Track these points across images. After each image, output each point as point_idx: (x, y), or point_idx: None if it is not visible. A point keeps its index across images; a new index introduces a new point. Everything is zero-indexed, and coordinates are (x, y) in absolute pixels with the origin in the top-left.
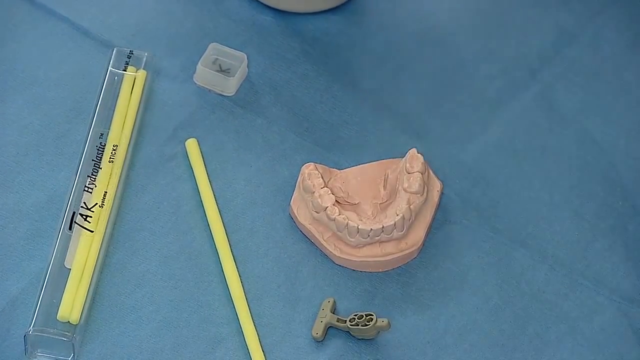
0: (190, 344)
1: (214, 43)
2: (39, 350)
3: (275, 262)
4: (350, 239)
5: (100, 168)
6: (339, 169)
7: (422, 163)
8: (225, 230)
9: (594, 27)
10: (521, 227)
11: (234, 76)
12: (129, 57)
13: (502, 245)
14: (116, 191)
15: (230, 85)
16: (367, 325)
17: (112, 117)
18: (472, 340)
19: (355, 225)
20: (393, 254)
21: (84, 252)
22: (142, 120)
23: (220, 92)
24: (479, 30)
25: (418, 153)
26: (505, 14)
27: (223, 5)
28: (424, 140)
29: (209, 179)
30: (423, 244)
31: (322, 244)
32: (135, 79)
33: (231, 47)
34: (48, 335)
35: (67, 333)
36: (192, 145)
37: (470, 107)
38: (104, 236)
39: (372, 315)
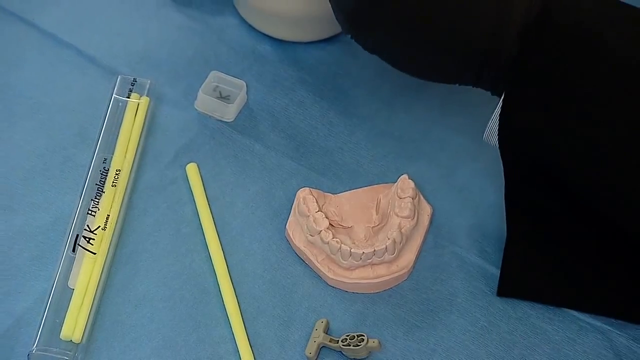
0: None
1: (214, 71)
2: None
3: (271, 283)
4: (343, 262)
5: (104, 192)
6: (333, 194)
7: (412, 189)
8: (224, 252)
9: None
10: None
11: (233, 103)
12: (132, 85)
13: (490, 268)
14: (118, 214)
15: (229, 112)
16: (358, 345)
17: (115, 142)
18: None
19: (348, 248)
20: (384, 276)
21: (87, 273)
22: (144, 145)
23: (220, 118)
24: None
25: (409, 179)
26: None
27: (224, 35)
28: (416, 165)
29: (208, 202)
30: (413, 267)
31: (316, 266)
32: (138, 105)
33: (231, 75)
34: (51, 354)
35: (69, 352)
36: (192, 169)
37: (461, 133)
38: (106, 258)
39: (364, 335)
